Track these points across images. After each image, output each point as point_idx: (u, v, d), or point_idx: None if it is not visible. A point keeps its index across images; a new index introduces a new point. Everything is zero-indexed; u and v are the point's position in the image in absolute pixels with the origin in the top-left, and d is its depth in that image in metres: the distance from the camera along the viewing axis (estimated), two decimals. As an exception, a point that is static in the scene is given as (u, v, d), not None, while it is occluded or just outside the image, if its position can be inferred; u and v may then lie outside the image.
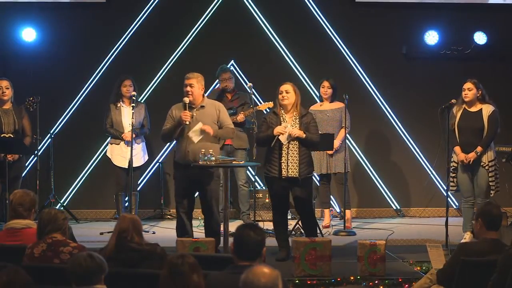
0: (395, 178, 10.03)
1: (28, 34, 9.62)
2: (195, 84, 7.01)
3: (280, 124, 7.00)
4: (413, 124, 9.99)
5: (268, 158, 7.05)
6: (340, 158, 8.63)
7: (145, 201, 9.36)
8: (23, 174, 8.61)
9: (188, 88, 6.99)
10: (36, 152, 8.89)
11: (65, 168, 9.62)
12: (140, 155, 8.75)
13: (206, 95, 8.41)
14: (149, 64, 9.78)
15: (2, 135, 8.18)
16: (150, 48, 9.81)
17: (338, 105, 8.72)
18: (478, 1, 10.14)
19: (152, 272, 4.27)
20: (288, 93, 7.05)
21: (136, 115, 8.34)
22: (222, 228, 7.03)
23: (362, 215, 9.90)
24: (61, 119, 9.77)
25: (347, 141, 8.79)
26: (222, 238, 6.94)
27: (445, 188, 8.32)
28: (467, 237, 7.72)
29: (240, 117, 8.61)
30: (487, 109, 7.70)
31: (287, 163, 6.94)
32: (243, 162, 8.11)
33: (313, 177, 7.53)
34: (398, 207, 10.01)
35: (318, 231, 7.64)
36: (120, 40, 9.80)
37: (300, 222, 8.02)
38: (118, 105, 8.75)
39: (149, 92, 9.80)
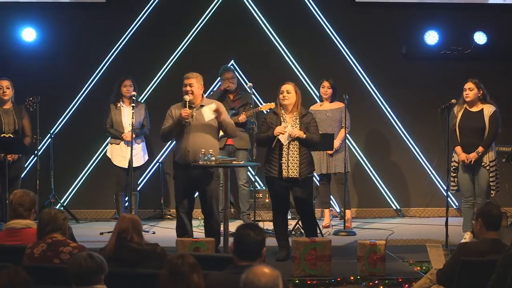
0: (395, 178, 10.03)
1: (28, 34, 9.63)
2: (195, 83, 7.01)
3: (280, 124, 7.00)
4: (413, 124, 9.99)
5: (268, 158, 7.05)
6: (340, 158, 8.63)
7: (145, 201, 9.36)
8: (22, 175, 8.60)
9: (188, 88, 6.99)
10: (36, 152, 8.89)
11: (65, 168, 9.62)
12: (140, 155, 8.75)
13: (206, 96, 8.44)
14: (149, 64, 9.78)
15: (2, 135, 8.18)
16: (150, 48, 9.81)
17: (338, 105, 8.72)
18: (478, 1, 10.14)
19: (152, 272, 4.27)
20: (289, 93, 7.05)
21: (136, 115, 8.34)
22: (222, 228, 7.03)
23: (362, 215, 9.90)
24: (61, 119, 9.77)
25: (347, 141, 8.79)
26: (222, 238, 6.94)
27: (445, 188, 8.32)
28: (467, 237, 7.72)
29: (242, 117, 8.63)
30: (488, 109, 7.70)
31: (288, 163, 6.94)
32: (243, 162, 8.11)
33: (313, 177, 7.53)
34: (398, 207, 10.01)
35: (318, 231, 7.64)
36: (120, 40, 9.80)
37: (300, 222, 8.03)
38: (118, 105, 8.75)
39: (149, 92, 9.80)
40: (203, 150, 6.76)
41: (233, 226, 5.41)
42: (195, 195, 7.25)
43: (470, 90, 7.72)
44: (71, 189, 9.76)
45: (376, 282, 6.21)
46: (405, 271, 6.55)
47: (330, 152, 8.58)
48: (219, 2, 9.88)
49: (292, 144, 6.96)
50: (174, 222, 7.31)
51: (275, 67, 9.80)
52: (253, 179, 9.45)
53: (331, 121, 8.68)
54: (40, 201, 8.51)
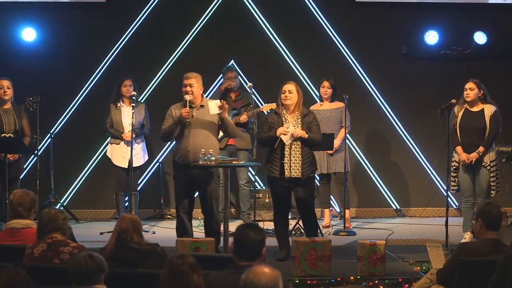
0: (395, 178, 10.03)
1: (28, 34, 9.63)
2: (195, 83, 7.01)
3: (282, 124, 6.99)
4: (413, 124, 9.99)
5: (270, 158, 7.04)
6: (340, 158, 8.63)
7: (145, 201, 9.36)
8: (21, 176, 8.60)
9: (188, 88, 6.99)
10: (36, 152, 8.89)
11: (65, 168, 9.62)
12: (140, 155, 8.75)
13: (210, 96, 8.45)
14: (149, 64, 9.78)
15: (3, 135, 8.18)
16: (150, 48, 9.81)
17: (338, 105, 8.73)
18: (478, 1, 10.14)
19: (152, 272, 4.27)
20: (291, 93, 7.04)
21: (136, 115, 8.34)
22: (222, 228, 7.03)
23: (362, 215, 9.90)
24: (61, 119, 9.77)
25: (347, 141, 8.79)
26: (222, 238, 6.94)
27: (445, 188, 8.32)
28: (467, 237, 7.72)
29: (243, 117, 8.64)
30: (489, 109, 7.70)
31: (290, 163, 6.93)
32: (243, 162, 8.12)
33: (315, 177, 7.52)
34: (398, 207, 10.01)
35: (318, 231, 7.63)
36: (120, 40, 9.80)
37: (300, 222, 8.03)
38: (118, 105, 8.75)
39: (149, 92, 9.80)
40: (203, 150, 6.76)
41: (233, 226, 5.40)
42: (195, 195, 7.25)
43: (471, 90, 7.72)
44: (71, 189, 9.75)
45: (376, 282, 6.21)
46: (405, 271, 6.55)
47: (330, 152, 8.58)
48: (219, 2, 9.88)
49: (294, 144, 6.96)
50: (174, 222, 7.30)
51: (275, 67, 9.80)
52: (253, 179, 9.45)
53: (331, 121, 8.68)
54: (40, 201, 8.51)
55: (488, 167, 7.65)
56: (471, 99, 7.72)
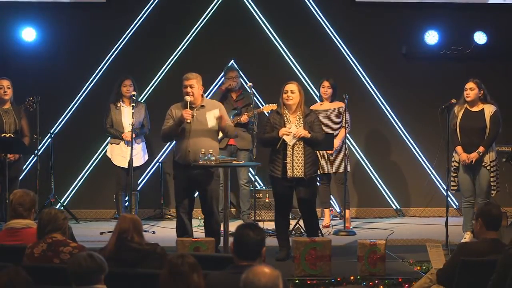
0: (395, 178, 10.03)
1: (28, 34, 9.63)
2: (195, 84, 7.01)
3: (284, 125, 6.99)
4: (413, 124, 9.99)
5: (272, 158, 7.03)
6: (340, 157, 8.63)
7: (145, 201, 9.36)
8: (20, 177, 8.59)
9: (189, 89, 6.99)
10: (36, 152, 8.89)
11: (65, 168, 9.62)
12: (140, 155, 8.75)
13: (209, 96, 8.44)
14: (149, 64, 9.78)
15: (3, 135, 8.18)
16: (150, 48, 9.81)
17: (338, 104, 8.73)
18: (478, 1, 10.14)
19: (152, 272, 4.27)
20: (293, 93, 7.03)
21: (136, 115, 8.34)
22: (222, 228, 7.03)
23: (362, 215, 9.90)
24: (61, 119, 9.76)
25: (347, 141, 8.79)
26: (222, 238, 6.94)
27: (445, 188, 8.32)
28: (467, 237, 7.72)
29: (244, 118, 8.64)
30: (489, 109, 7.70)
31: (292, 163, 6.93)
32: (243, 162, 8.12)
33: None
34: (398, 207, 10.01)
35: (319, 231, 7.63)
36: (120, 40, 9.80)
37: (300, 222, 8.04)
38: (118, 105, 8.75)
39: (149, 92, 9.80)
40: (203, 150, 6.76)
41: (233, 226, 5.40)
42: (195, 195, 7.25)
43: (471, 90, 7.72)
44: (71, 189, 9.75)
45: (376, 282, 6.21)
46: (405, 271, 6.55)
47: (330, 152, 8.58)
48: (219, 2, 9.88)
49: (297, 144, 6.95)
50: (174, 222, 7.31)
51: (275, 67, 9.80)
52: (253, 179, 9.45)
53: (331, 121, 8.68)
54: (40, 201, 8.51)
55: (488, 167, 7.65)
56: (471, 99, 7.72)
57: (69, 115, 9.79)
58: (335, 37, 9.97)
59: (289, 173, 6.93)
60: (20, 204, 5.17)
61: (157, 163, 9.81)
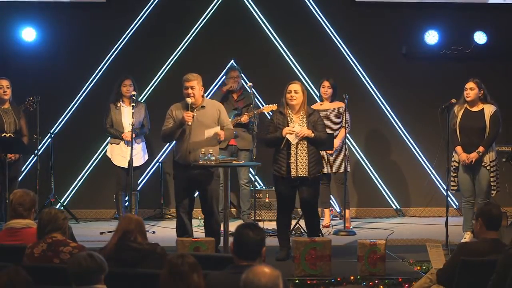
0: (395, 178, 10.03)
1: (28, 34, 9.63)
2: (196, 85, 7.01)
3: (288, 124, 6.98)
4: (413, 124, 9.99)
5: (276, 158, 7.03)
6: (340, 157, 8.63)
7: (145, 201, 9.36)
8: (20, 178, 8.59)
9: (190, 91, 6.98)
10: (36, 152, 8.89)
11: (65, 168, 9.62)
12: (140, 155, 8.75)
13: (209, 96, 8.43)
14: (149, 64, 9.78)
15: (3, 135, 8.18)
16: (150, 48, 9.81)
17: (338, 104, 8.73)
18: (478, 1, 10.14)
19: (152, 272, 4.27)
20: (297, 93, 7.03)
21: (136, 115, 8.34)
22: (222, 228, 7.03)
23: (362, 215, 9.90)
24: (61, 119, 9.76)
25: (347, 140, 8.79)
26: (222, 238, 6.94)
27: (445, 188, 8.32)
28: (467, 237, 7.72)
29: (245, 118, 8.64)
30: (489, 109, 7.70)
31: (296, 162, 6.92)
32: (243, 162, 8.11)
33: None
34: (398, 207, 10.01)
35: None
36: (120, 40, 9.80)
37: (300, 222, 8.04)
38: (118, 104, 8.75)
39: (149, 92, 9.80)
40: (203, 150, 6.76)
41: (233, 226, 5.40)
42: (195, 195, 7.25)
43: (471, 90, 7.72)
44: (71, 189, 9.75)
45: (376, 282, 6.21)
46: (405, 271, 6.55)
47: (330, 151, 8.58)
48: (219, 2, 9.88)
49: (301, 143, 6.95)
50: (174, 222, 7.31)
51: (275, 67, 9.80)
52: (253, 179, 9.45)
53: (331, 120, 8.68)
54: (40, 201, 8.51)
55: (488, 167, 7.65)
56: (471, 99, 7.72)
57: (69, 115, 9.79)
58: (335, 37, 9.97)
59: (293, 173, 6.92)
60: (20, 204, 5.17)
61: (157, 163, 9.81)
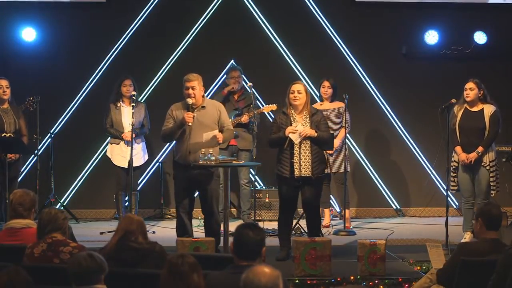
0: (395, 178, 10.03)
1: (28, 34, 9.63)
2: (197, 86, 7.01)
3: (291, 124, 6.98)
4: (413, 124, 9.99)
5: (280, 158, 7.02)
6: (340, 157, 8.63)
7: (145, 201, 9.36)
8: (19, 178, 8.59)
9: (190, 91, 6.98)
10: (36, 152, 8.89)
11: (65, 168, 9.62)
12: (140, 154, 8.75)
13: (210, 97, 8.43)
14: (149, 64, 9.78)
15: (3, 135, 8.18)
16: (150, 48, 9.81)
17: (338, 104, 8.73)
18: (478, 1, 10.14)
19: (152, 272, 4.27)
20: (300, 93, 7.03)
21: (136, 115, 8.34)
22: (222, 228, 7.03)
23: (362, 215, 9.90)
24: (61, 119, 9.77)
25: (347, 140, 8.79)
26: (222, 238, 6.94)
27: (445, 188, 8.32)
28: (467, 237, 7.72)
29: (245, 118, 8.65)
30: (488, 109, 7.70)
31: (300, 162, 6.92)
32: (243, 161, 8.11)
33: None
34: (398, 207, 10.01)
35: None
36: (120, 40, 9.80)
37: (300, 222, 8.03)
38: (118, 104, 8.75)
39: (149, 92, 9.80)
40: (203, 150, 6.76)
41: (233, 226, 5.40)
42: (195, 195, 7.26)
43: (471, 90, 7.72)
44: (71, 189, 9.76)
45: (376, 282, 6.21)
46: (405, 271, 6.55)
47: (330, 151, 8.57)
48: (219, 2, 9.88)
49: (304, 143, 6.95)
50: (174, 222, 7.31)
51: (275, 67, 9.81)
52: (253, 179, 9.45)
53: (331, 120, 8.66)
54: (40, 201, 8.51)
55: (488, 167, 7.65)
56: (471, 99, 7.72)
57: (69, 115, 9.79)
58: (335, 37, 9.97)
59: (296, 172, 6.92)
60: (20, 204, 5.17)
61: (157, 163, 9.81)
